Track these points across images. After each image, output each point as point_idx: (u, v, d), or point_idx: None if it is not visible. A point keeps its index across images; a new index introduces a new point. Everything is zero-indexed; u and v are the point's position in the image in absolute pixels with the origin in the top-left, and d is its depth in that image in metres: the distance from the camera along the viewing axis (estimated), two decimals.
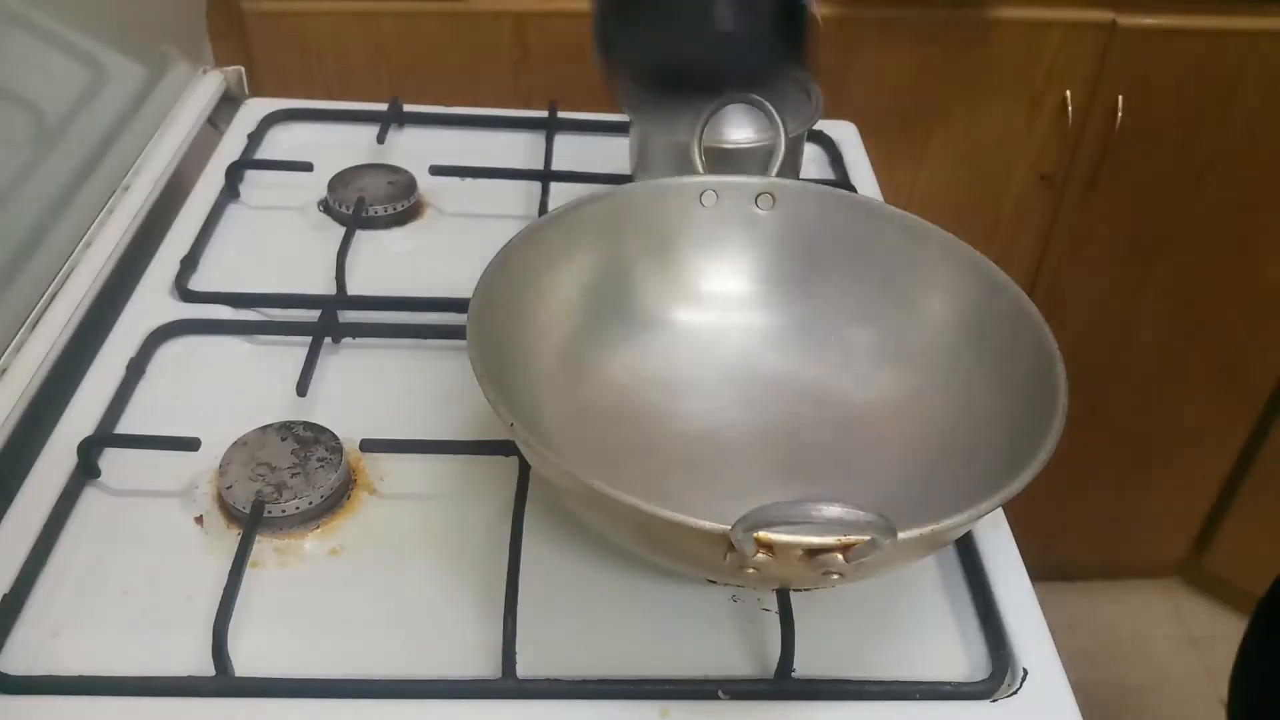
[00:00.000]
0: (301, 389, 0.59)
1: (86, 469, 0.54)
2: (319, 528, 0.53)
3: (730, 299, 0.61)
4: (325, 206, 0.75)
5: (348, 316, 0.65)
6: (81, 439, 0.54)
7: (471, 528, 0.54)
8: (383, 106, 0.85)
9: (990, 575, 0.52)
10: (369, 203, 0.74)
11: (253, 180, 0.77)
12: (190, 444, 0.54)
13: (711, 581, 0.51)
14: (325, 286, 0.67)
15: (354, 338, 0.64)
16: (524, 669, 0.46)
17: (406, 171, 0.77)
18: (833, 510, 0.36)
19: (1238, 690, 0.76)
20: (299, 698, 0.45)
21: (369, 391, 0.61)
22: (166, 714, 0.45)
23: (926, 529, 0.39)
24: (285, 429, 0.56)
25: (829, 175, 0.82)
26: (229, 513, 0.53)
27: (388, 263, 0.71)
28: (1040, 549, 0.80)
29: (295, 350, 0.62)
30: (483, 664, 0.47)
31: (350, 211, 0.73)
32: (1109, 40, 1.05)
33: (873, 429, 0.56)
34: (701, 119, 0.60)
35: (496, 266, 0.52)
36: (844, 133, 0.86)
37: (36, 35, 0.63)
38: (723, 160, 0.64)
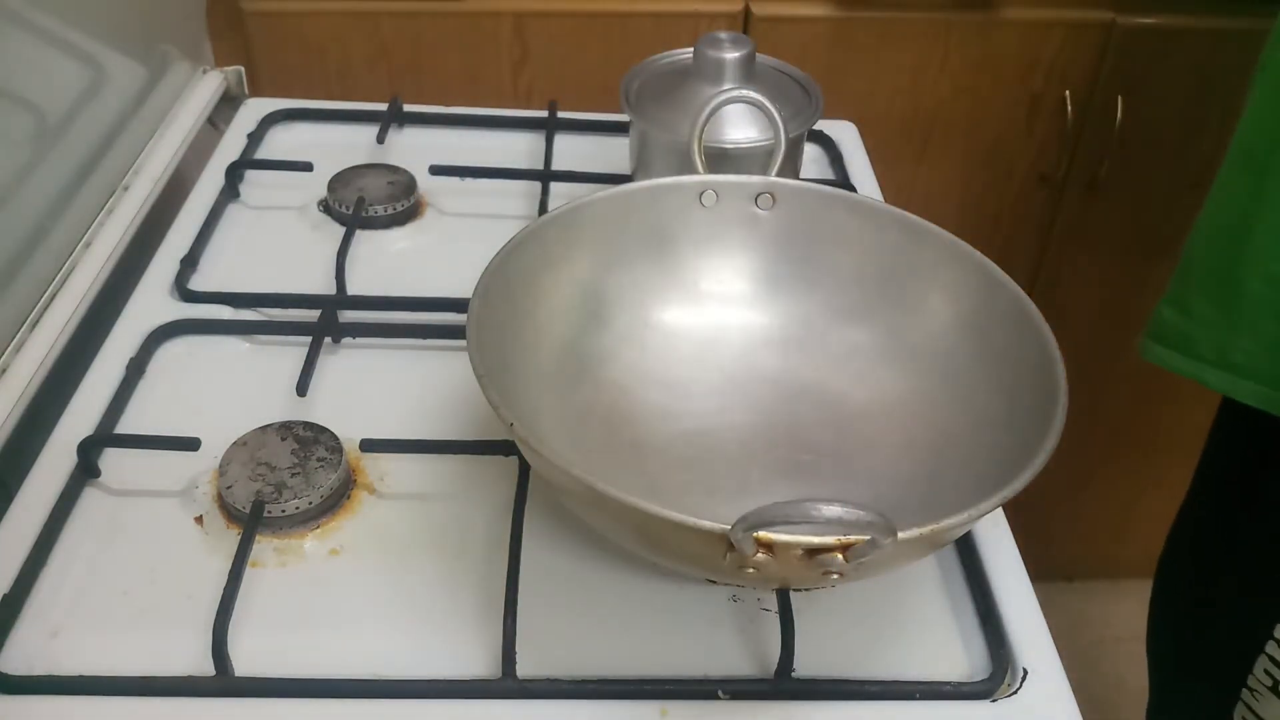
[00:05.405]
0: (301, 389, 0.59)
1: (86, 469, 0.54)
2: (319, 528, 0.53)
3: (730, 299, 0.61)
4: (325, 206, 0.75)
5: (347, 316, 0.65)
6: (81, 439, 0.54)
7: (471, 528, 0.54)
8: (383, 106, 0.85)
9: (990, 575, 0.52)
10: (369, 203, 0.74)
11: (253, 180, 0.77)
12: (190, 444, 0.54)
13: (711, 581, 0.51)
14: (325, 286, 0.67)
15: (354, 338, 0.64)
16: (524, 669, 0.46)
17: (406, 171, 0.77)
18: (833, 510, 0.36)
19: (1151, 638, 0.89)
20: (299, 698, 0.45)
21: (369, 391, 0.61)
22: (166, 714, 0.45)
23: (926, 529, 0.39)
24: (285, 429, 0.56)
25: (829, 175, 0.82)
26: (229, 513, 0.53)
27: (388, 263, 0.71)
28: (1040, 549, 0.80)
29: (295, 350, 0.62)
30: (483, 664, 0.47)
31: (350, 211, 0.73)
32: (1108, 40, 1.05)
33: (873, 429, 0.56)
34: (701, 119, 0.60)
35: (496, 266, 0.52)
36: (844, 133, 0.86)
37: (36, 35, 0.63)
38: (723, 160, 0.64)
